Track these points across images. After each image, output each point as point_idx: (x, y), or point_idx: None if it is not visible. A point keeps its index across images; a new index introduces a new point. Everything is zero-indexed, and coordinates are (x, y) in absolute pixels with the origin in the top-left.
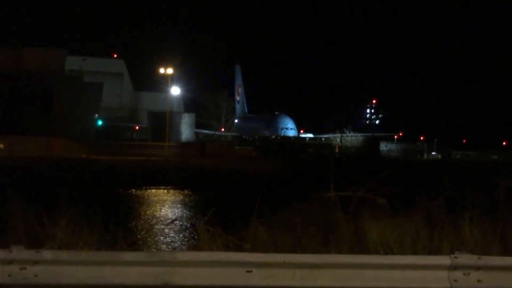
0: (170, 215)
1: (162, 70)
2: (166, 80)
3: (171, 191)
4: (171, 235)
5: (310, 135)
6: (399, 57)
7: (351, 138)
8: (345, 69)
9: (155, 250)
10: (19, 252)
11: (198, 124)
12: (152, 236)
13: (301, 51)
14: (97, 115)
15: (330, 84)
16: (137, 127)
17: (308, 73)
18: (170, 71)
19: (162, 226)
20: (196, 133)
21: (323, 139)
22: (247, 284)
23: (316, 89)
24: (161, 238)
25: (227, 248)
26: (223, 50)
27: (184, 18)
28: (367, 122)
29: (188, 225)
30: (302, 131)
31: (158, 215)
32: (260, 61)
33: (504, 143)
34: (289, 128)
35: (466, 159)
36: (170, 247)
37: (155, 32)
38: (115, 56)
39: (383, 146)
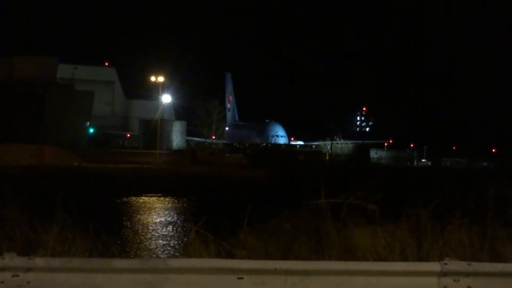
0: (162, 222)
1: (153, 78)
2: (157, 88)
3: (163, 198)
4: (163, 242)
5: (301, 143)
6: (389, 64)
7: (342, 145)
8: (335, 76)
9: (146, 257)
10: (12, 259)
11: (189, 132)
12: (144, 243)
13: (291, 59)
14: (88, 123)
15: (321, 91)
16: (128, 135)
17: (298, 80)
18: (161, 79)
19: (154, 233)
20: (187, 141)
21: (313, 146)
22: None
23: (307, 97)
24: (154, 243)
25: (218, 255)
26: (214, 58)
27: (174, 27)
28: (357, 129)
29: (180, 232)
30: (292, 139)
31: (149, 222)
32: (250, 69)
33: (493, 150)
34: (280, 136)
35: (455, 166)
36: (161, 254)
37: (146, 40)
38: (107, 64)
39: (373, 154)
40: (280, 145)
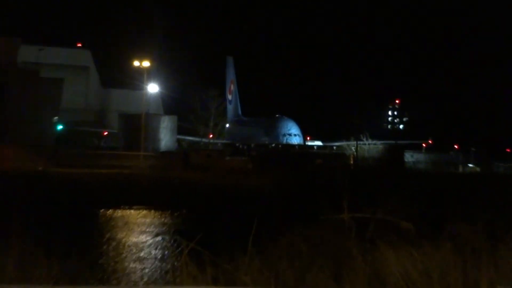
0: (146, 240)
1: (136, 63)
2: (141, 75)
3: (148, 212)
4: (147, 265)
5: (319, 143)
6: (428, 47)
7: (369, 146)
8: (360, 62)
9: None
10: None
11: (180, 129)
12: (124, 267)
13: (306, 41)
14: (56, 117)
15: (343, 81)
16: (105, 133)
17: (315, 68)
18: (146, 64)
19: (136, 255)
20: (178, 140)
21: (334, 148)
22: None
23: (325, 87)
24: (135, 267)
25: (216, 282)
26: (212, 39)
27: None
28: (389, 127)
29: (170, 252)
30: (308, 138)
31: (131, 240)
32: (257, 53)
33: None
34: (293, 135)
35: (510, 172)
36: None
37: (128, 16)
38: (79, 45)
39: (409, 157)
40: (293, 146)
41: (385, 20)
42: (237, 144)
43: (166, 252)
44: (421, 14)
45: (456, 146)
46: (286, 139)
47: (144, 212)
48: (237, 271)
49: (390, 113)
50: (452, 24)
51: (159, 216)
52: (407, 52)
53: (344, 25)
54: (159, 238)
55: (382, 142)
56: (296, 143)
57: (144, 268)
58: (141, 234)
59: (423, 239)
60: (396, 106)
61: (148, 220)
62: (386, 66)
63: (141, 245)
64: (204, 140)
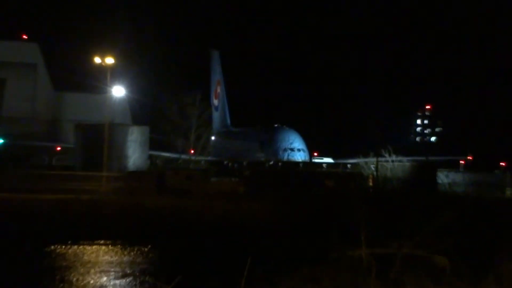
0: (109, 285)
1: (97, 60)
2: (104, 76)
3: (112, 248)
4: None
5: (329, 160)
6: (465, 42)
7: (393, 164)
8: (380, 58)
9: None
10: None
11: (153, 143)
12: None
13: (313, 34)
14: None
15: (358, 82)
16: (58, 148)
17: (323, 66)
18: (110, 61)
19: None
20: (150, 157)
21: (348, 166)
22: None
23: (337, 91)
24: None
25: None
26: (193, 30)
27: None
28: (418, 139)
29: None
30: (316, 154)
31: (90, 286)
32: (249, 47)
33: None
34: (296, 150)
35: None
36: None
37: (87, 1)
38: (25, 37)
39: (443, 177)
40: (296, 164)
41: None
42: (225, 162)
43: None
44: None
45: (502, 164)
46: (288, 155)
47: (107, 248)
48: None
49: (419, 122)
50: (497, 12)
51: (126, 254)
52: (441, 44)
53: (359, 14)
54: (125, 281)
55: (409, 158)
56: (300, 160)
57: None
58: (101, 277)
59: (461, 279)
60: (427, 114)
61: (112, 258)
62: (414, 62)
63: None
64: (183, 156)
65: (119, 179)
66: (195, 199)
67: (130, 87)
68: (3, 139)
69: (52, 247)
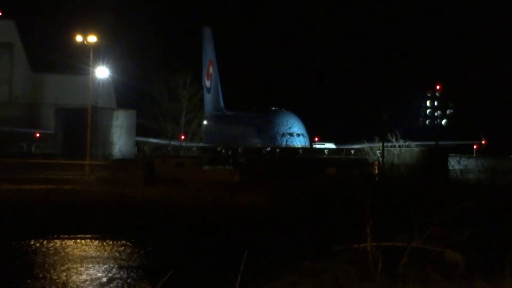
0: (94, 283)
1: (79, 38)
2: (86, 55)
3: (97, 242)
4: None
5: (331, 146)
6: (477, 14)
7: (400, 149)
8: (384, 35)
9: None
10: None
11: (141, 129)
12: None
13: (312, 9)
14: None
15: (361, 61)
16: (38, 134)
17: (324, 45)
18: (92, 39)
19: None
20: (137, 144)
21: (352, 152)
22: None
23: (338, 71)
24: None
25: None
26: (184, 6)
27: None
28: (427, 122)
29: None
30: (317, 140)
31: (73, 284)
32: (244, 23)
33: None
34: (296, 134)
35: None
36: None
37: None
38: (0, 14)
39: (455, 163)
40: (296, 149)
41: None
42: (218, 149)
43: None
44: None
45: None
46: (286, 141)
47: (91, 242)
48: None
49: (428, 103)
50: None
51: (111, 248)
52: (450, 18)
53: None
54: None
55: (418, 143)
56: (299, 146)
57: None
58: (84, 273)
59: (475, 275)
60: (437, 94)
61: (96, 253)
62: (420, 38)
63: None
64: (173, 143)
65: (104, 167)
66: (186, 189)
67: (114, 68)
68: None
69: (29, 242)
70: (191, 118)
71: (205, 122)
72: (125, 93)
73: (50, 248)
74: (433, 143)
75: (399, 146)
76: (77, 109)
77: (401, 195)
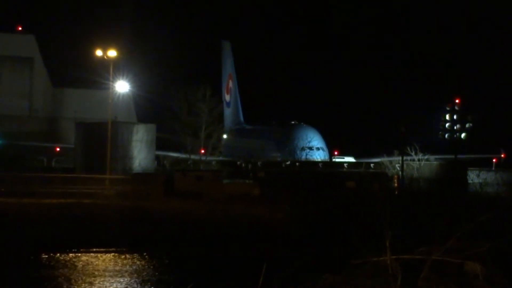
0: None
1: (99, 53)
2: (106, 70)
3: (117, 256)
4: None
5: (350, 159)
6: (498, 28)
7: (419, 163)
8: (403, 49)
9: None
10: None
11: (160, 143)
12: None
13: (331, 24)
14: None
15: (380, 75)
16: (58, 149)
17: (343, 59)
18: (112, 54)
19: None
20: (157, 158)
21: (371, 165)
22: None
23: (357, 85)
24: None
25: None
26: (203, 19)
27: None
28: (446, 136)
29: None
30: (336, 153)
31: None
32: (264, 38)
33: None
34: (315, 148)
35: None
36: None
37: None
38: (20, 29)
39: (474, 176)
40: (315, 163)
41: None
42: (238, 162)
43: None
44: None
45: None
46: (306, 155)
47: (111, 256)
48: None
49: (447, 117)
50: None
51: (131, 262)
52: (471, 32)
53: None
54: None
55: (437, 156)
56: (319, 159)
57: None
58: (106, 285)
59: (495, 287)
60: (456, 108)
61: (115, 267)
62: (442, 53)
63: None
64: (193, 157)
65: (124, 181)
66: (206, 202)
67: (134, 82)
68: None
69: (49, 255)
70: (211, 132)
71: (224, 136)
72: (145, 107)
73: (68, 262)
74: (452, 156)
75: (418, 160)
76: (97, 123)
77: (420, 208)
